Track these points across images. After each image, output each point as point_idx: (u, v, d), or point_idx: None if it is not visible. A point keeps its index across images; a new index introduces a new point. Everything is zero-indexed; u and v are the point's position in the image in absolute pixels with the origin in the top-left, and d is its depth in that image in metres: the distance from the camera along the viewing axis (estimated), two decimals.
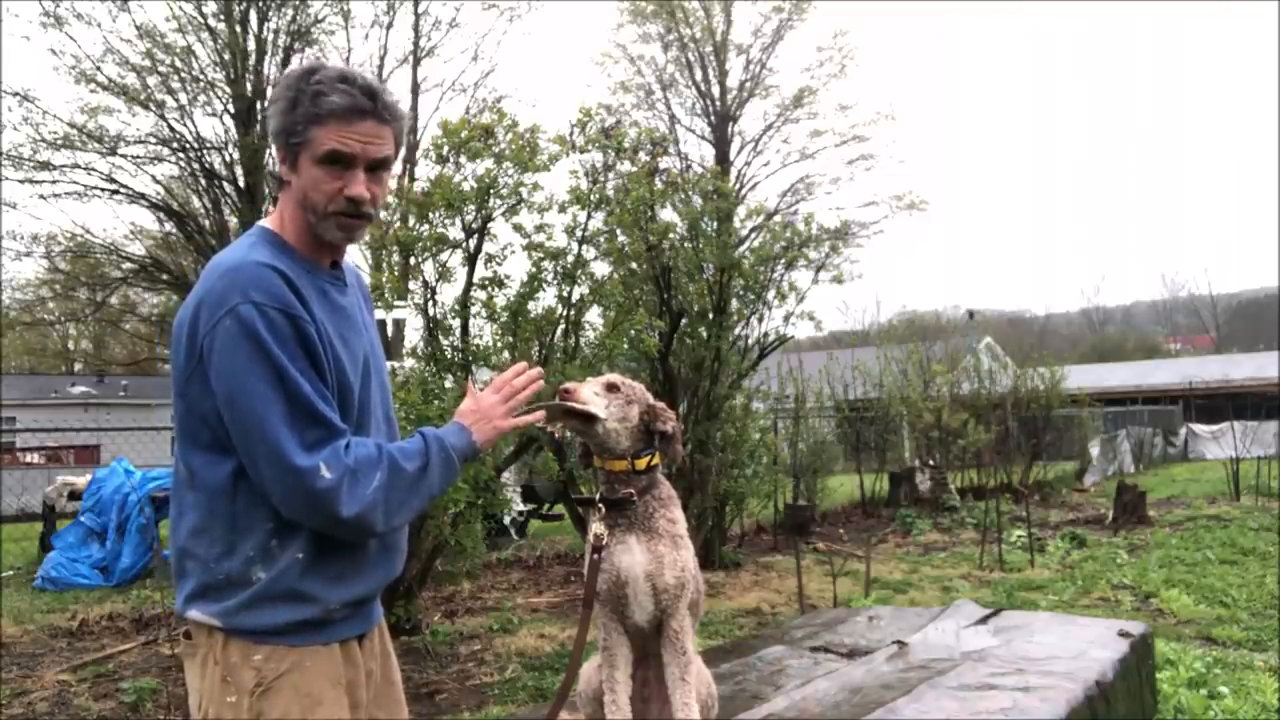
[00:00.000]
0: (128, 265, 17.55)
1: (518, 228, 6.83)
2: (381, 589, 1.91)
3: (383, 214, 5.48)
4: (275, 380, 1.63)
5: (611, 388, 2.34)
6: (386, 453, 1.75)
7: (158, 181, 16.55)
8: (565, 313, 7.14)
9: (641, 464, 2.33)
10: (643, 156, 7.70)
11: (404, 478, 1.75)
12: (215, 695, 1.70)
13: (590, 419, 2.26)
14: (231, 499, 1.70)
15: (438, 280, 6.87)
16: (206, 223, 16.57)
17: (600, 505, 2.33)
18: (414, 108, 21.08)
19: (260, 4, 16.19)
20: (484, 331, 6.91)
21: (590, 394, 2.29)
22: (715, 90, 26.26)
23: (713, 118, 26.38)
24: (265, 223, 1.85)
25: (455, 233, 6.78)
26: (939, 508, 14.24)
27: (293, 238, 1.82)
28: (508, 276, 6.84)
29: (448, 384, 6.58)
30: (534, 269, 6.84)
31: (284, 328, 1.66)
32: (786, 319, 10.07)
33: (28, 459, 20.65)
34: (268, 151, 16.11)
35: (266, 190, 16.12)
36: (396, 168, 1.94)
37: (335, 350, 1.76)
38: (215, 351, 1.64)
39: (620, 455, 2.33)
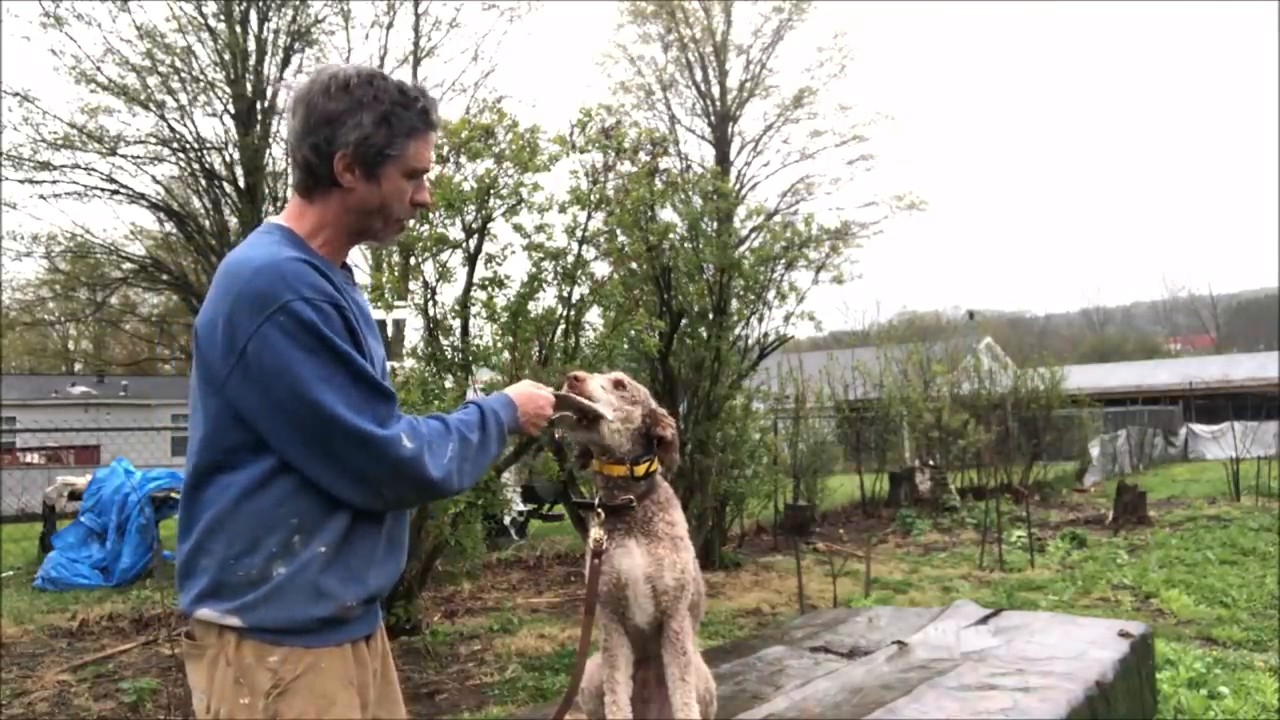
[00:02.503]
0: (128, 265, 17.52)
1: (518, 228, 6.83)
2: (390, 587, 1.91)
3: None
4: (341, 367, 1.66)
5: (618, 385, 2.34)
6: (454, 424, 1.83)
7: (158, 182, 16.55)
8: (565, 313, 7.13)
9: (640, 470, 2.33)
10: (643, 157, 7.69)
11: (470, 447, 1.84)
12: (227, 696, 1.69)
13: (595, 418, 2.26)
14: (258, 496, 1.69)
15: (438, 280, 6.87)
16: (206, 223, 16.56)
17: (599, 511, 2.33)
18: None
19: (260, 4, 16.18)
20: (484, 332, 6.91)
21: (597, 388, 2.29)
22: (715, 90, 26.29)
23: (713, 118, 26.39)
24: (280, 220, 1.82)
25: (455, 233, 6.78)
26: (939, 508, 14.24)
27: (324, 239, 1.81)
28: (508, 277, 6.84)
29: (448, 384, 6.58)
30: (534, 269, 6.84)
31: (336, 319, 1.68)
32: (786, 319, 10.08)
33: (28, 459, 20.63)
34: (268, 151, 16.13)
35: (266, 190, 16.11)
36: None
37: (369, 346, 1.79)
38: (268, 349, 1.62)
39: (619, 459, 2.33)
